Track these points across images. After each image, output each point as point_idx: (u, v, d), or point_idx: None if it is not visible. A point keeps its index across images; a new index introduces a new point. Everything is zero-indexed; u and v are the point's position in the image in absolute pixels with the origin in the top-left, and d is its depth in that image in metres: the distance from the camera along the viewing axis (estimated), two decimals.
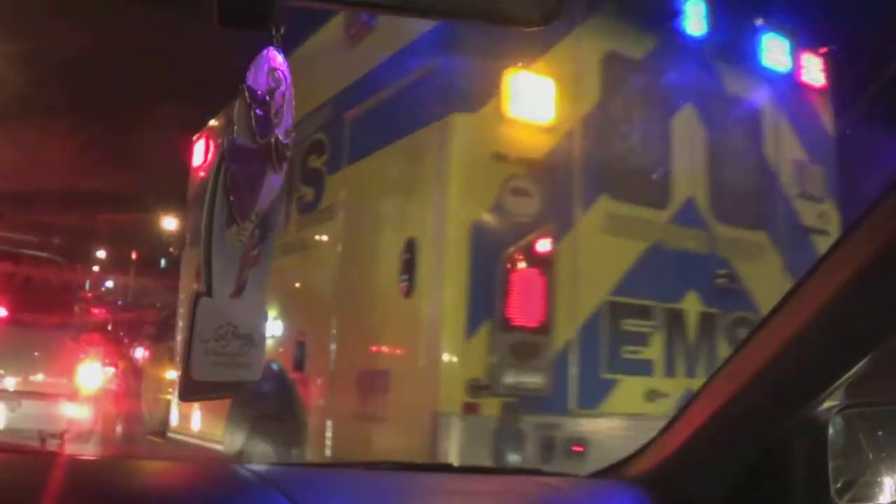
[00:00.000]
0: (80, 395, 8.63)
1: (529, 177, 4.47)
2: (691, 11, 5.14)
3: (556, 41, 4.66)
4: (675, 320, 4.93)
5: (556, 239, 4.46)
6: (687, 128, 5.15)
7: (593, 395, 4.57)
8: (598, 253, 4.66)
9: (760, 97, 5.49)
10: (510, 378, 4.25)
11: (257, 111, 0.96)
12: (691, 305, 5.00)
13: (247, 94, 0.95)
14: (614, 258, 4.77)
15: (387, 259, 4.75)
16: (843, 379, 1.46)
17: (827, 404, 1.56)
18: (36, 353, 8.91)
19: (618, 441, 4.21)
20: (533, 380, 4.29)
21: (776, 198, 5.51)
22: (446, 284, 4.33)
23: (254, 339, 1.04)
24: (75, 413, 8.46)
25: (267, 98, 0.97)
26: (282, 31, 0.98)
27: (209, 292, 1.00)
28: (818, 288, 1.42)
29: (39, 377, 8.73)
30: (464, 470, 2.44)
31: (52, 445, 7.03)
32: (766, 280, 5.18)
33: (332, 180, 5.63)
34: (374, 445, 4.70)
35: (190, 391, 1.03)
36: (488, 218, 4.37)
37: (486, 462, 4.11)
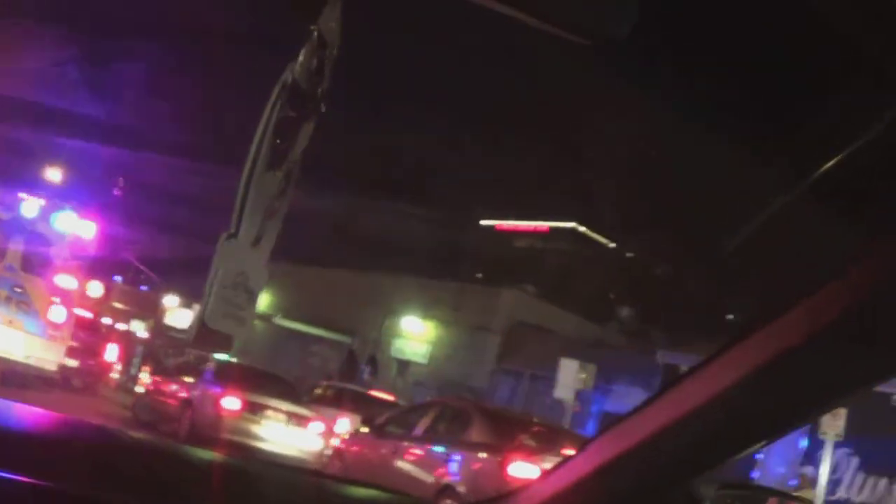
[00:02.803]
0: None
1: None
2: (25, 206, 13.35)
3: None
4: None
5: None
6: (16, 248, 13.42)
7: None
8: None
9: (63, 241, 13.79)
10: None
11: (321, 57, 0.93)
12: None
13: (316, 37, 0.93)
14: None
15: None
16: (729, 460, 1.43)
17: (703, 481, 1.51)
18: None
19: None
20: None
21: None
22: None
23: (254, 295, 1.00)
24: None
25: (328, 48, 0.94)
26: None
27: (236, 234, 0.97)
28: (727, 367, 1.37)
29: None
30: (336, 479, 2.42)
31: None
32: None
33: None
34: None
35: (202, 338, 0.99)
36: None
37: None
